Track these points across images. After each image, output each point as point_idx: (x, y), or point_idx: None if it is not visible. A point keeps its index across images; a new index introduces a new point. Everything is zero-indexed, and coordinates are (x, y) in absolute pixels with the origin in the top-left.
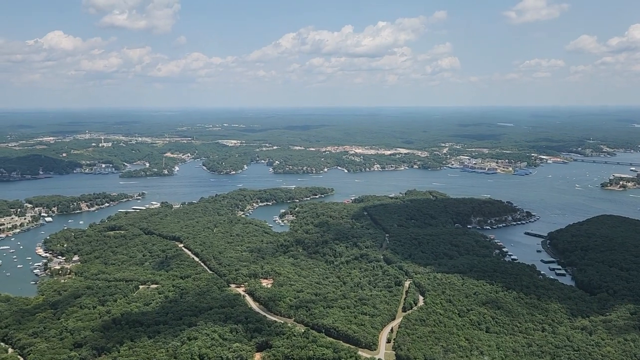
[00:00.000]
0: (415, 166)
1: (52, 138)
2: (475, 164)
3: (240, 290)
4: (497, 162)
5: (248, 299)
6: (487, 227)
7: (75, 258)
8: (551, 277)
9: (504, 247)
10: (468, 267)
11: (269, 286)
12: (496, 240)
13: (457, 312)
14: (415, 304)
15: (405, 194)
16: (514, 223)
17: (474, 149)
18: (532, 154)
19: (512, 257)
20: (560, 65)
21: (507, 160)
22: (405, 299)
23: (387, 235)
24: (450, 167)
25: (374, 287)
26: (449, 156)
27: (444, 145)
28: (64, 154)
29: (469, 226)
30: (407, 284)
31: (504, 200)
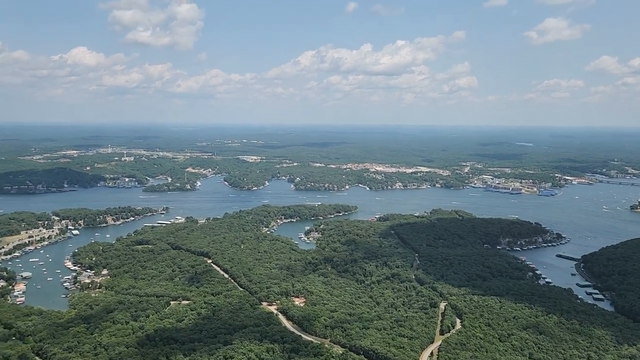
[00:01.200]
0: (437, 185)
1: (75, 152)
2: (498, 183)
3: (273, 309)
4: (520, 182)
5: (281, 317)
6: (517, 248)
7: (105, 272)
8: (589, 301)
9: (537, 270)
10: (504, 290)
11: (302, 305)
12: (528, 263)
13: (497, 336)
14: (453, 327)
15: (431, 213)
16: (545, 245)
17: (495, 169)
18: (556, 175)
19: (546, 280)
20: (580, 85)
21: (530, 181)
22: (442, 322)
23: (416, 254)
24: (473, 187)
25: (409, 308)
26: (471, 175)
27: (464, 164)
28: (88, 168)
29: (498, 247)
30: (442, 305)
31: (532, 222)
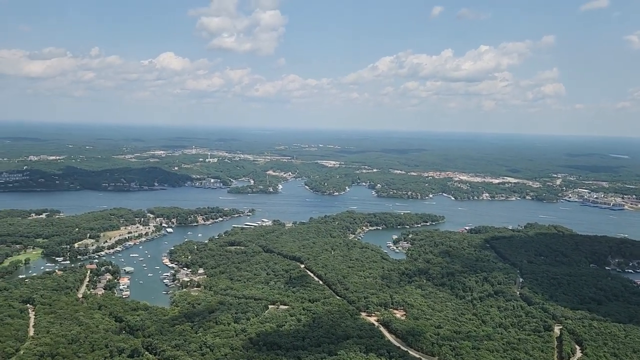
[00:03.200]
0: (527, 197)
1: (163, 152)
2: (596, 198)
3: (373, 320)
4: (622, 198)
5: (383, 330)
6: (630, 270)
7: (201, 271)
8: None
9: None
10: (626, 317)
11: (403, 318)
12: None
13: None
14: (573, 354)
15: (526, 227)
16: None
17: (590, 182)
18: None
19: None
20: None
21: (634, 196)
22: (559, 348)
23: (517, 271)
24: (568, 200)
25: (520, 330)
26: (564, 188)
27: (555, 176)
28: (176, 168)
29: (607, 268)
30: (557, 329)
31: None
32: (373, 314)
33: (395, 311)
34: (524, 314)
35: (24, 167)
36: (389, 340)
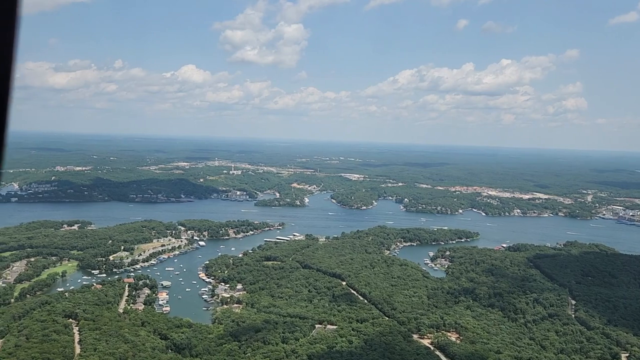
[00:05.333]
0: (560, 214)
1: (186, 163)
2: (632, 215)
3: (426, 343)
4: None
5: (439, 354)
6: None
7: (239, 286)
8: None
9: None
10: None
11: (458, 341)
12: None
13: None
14: None
15: (565, 245)
16: None
17: (622, 199)
18: None
19: None
20: None
21: None
22: None
23: (567, 292)
24: (602, 218)
25: (584, 357)
26: (597, 205)
27: (585, 192)
28: (201, 180)
29: None
30: (624, 357)
31: None
32: (425, 336)
33: (448, 333)
34: (585, 339)
35: (52, 178)
36: None
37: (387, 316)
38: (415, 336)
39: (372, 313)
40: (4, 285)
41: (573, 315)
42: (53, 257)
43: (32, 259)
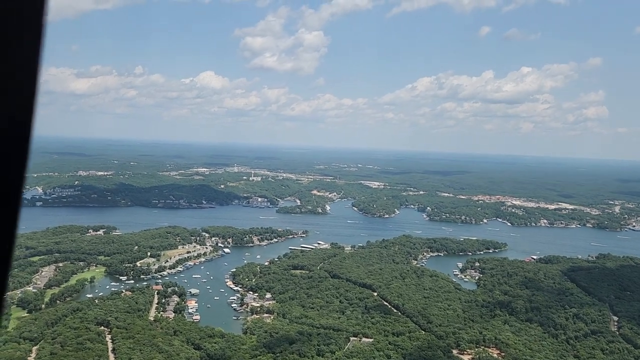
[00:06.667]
0: (588, 225)
1: (205, 169)
2: None
3: (466, 359)
4: None
5: None
6: None
7: (268, 296)
8: None
9: None
10: None
11: (500, 358)
12: None
13: None
14: None
15: (598, 257)
16: None
17: None
18: None
19: None
20: None
21: None
22: None
23: (607, 307)
24: (633, 229)
25: None
26: (626, 216)
27: (612, 202)
28: (222, 186)
29: None
30: None
31: None
32: (465, 352)
33: (489, 349)
34: (634, 358)
35: (75, 182)
36: None
37: (423, 330)
38: (454, 351)
39: (408, 326)
40: (34, 290)
41: (617, 332)
42: (81, 263)
43: (61, 264)
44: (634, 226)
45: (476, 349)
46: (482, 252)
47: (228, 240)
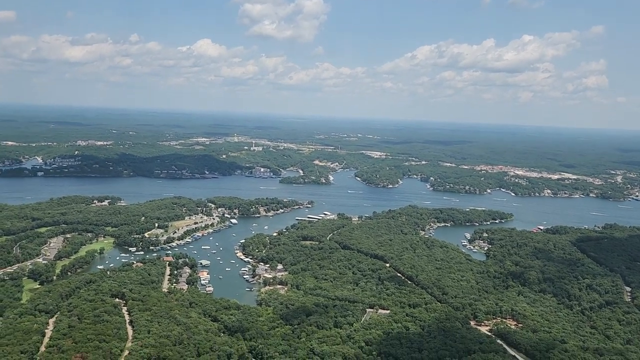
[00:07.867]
0: (591, 195)
1: (206, 139)
2: None
3: (485, 330)
4: None
5: (501, 342)
6: None
7: (280, 267)
8: None
9: None
10: None
11: (517, 329)
12: None
13: None
14: None
15: (605, 227)
16: None
17: None
18: None
19: None
20: None
21: None
22: None
23: (619, 277)
24: (635, 199)
25: None
26: (628, 186)
27: (614, 172)
28: (224, 156)
29: None
30: None
31: None
32: (483, 323)
33: (506, 320)
34: None
35: (75, 152)
36: (514, 356)
37: (439, 301)
38: (472, 323)
39: (424, 298)
40: (44, 262)
41: (632, 303)
42: (89, 234)
43: (69, 236)
44: (637, 196)
45: (493, 321)
46: (488, 223)
47: (234, 211)
